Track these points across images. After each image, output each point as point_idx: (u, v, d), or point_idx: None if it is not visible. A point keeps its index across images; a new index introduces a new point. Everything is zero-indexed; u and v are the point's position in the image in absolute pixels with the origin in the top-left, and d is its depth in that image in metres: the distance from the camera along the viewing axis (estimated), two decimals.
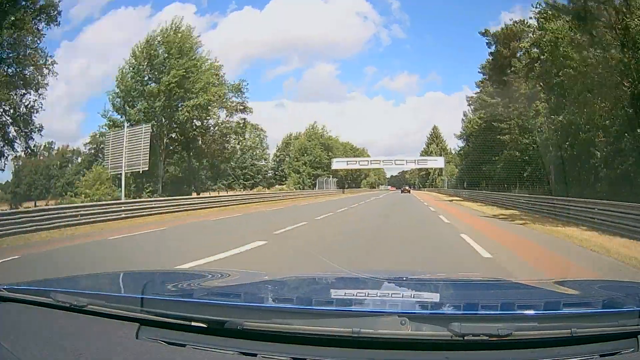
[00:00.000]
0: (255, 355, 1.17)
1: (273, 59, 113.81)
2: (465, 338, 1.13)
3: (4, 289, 1.54)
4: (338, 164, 62.60)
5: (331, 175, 62.81)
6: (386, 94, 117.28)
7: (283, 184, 63.63)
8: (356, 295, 1.81)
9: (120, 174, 24.15)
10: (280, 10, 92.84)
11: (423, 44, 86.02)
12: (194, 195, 33.74)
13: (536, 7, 18.37)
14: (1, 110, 23.48)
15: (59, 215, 13.60)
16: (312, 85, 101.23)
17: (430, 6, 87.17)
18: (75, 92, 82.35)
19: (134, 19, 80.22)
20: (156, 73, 32.14)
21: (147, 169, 24.64)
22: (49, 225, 12.62)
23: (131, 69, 32.45)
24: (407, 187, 75.13)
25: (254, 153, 69.29)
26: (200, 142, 37.64)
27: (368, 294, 1.85)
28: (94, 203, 19.34)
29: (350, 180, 79.88)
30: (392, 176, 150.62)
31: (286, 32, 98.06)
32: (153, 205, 19.35)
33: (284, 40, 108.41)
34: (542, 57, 19.89)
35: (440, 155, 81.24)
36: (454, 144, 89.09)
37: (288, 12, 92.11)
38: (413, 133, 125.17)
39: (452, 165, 68.85)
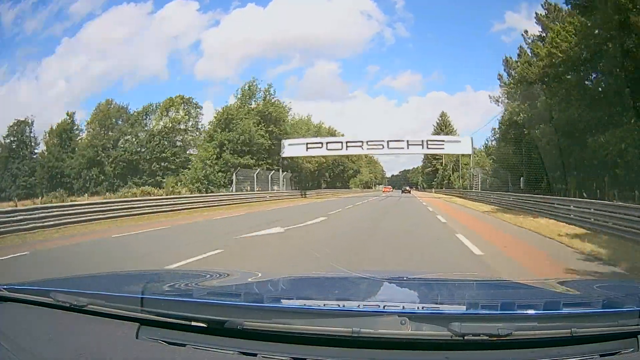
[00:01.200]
0: (255, 355, 1.17)
1: (275, 58, 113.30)
2: (465, 338, 1.13)
3: (4, 288, 1.54)
4: (293, 148, 39.12)
5: (280, 168, 38.33)
6: (389, 93, 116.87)
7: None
8: (356, 295, 1.82)
9: None
10: (283, 8, 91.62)
11: (427, 43, 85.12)
12: None
13: None
14: None
15: None
16: (313, 84, 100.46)
17: (435, 5, 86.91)
18: (74, 88, 78.10)
19: (135, 15, 79.58)
20: None
21: None
22: None
23: None
24: (407, 188, 73.48)
25: (184, 137, 48.71)
26: None
27: (368, 293, 1.85)
28: None
29: (331, 178, 60.59)
30: (392, 175, 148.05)
31: (289, 30, 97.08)
32: None
33: (287, 38, 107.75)
34: None
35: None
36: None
37: (291, 9, 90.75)
38: (415, 133, 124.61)
39: (480, 153, 42.98)
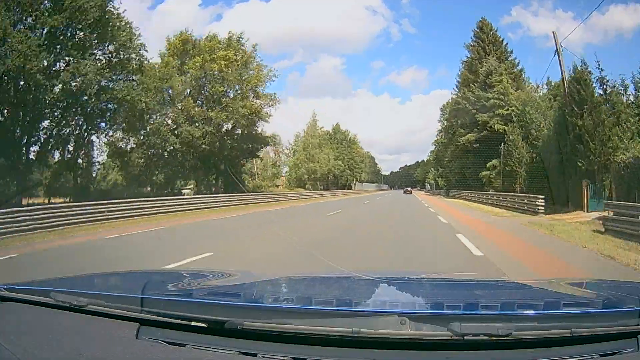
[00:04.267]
0: (255, 355, 1.17)
1: (278, 53, 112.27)
2: (465, 338, 1.13)
3: (4, 288, 1.55)
4: None
5: None
6: (392, 91, 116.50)
7: None
8: (356, 295, 1.81)
9: None
10: (287, 2, 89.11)
11: (432, 40, 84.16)
12: None
13: None
14: None
15: None
16: (316, 80, 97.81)
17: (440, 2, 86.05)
18: None
19: (135, 10, 77.56)
20: None
21: None
22: None
23: None
24: (409, 189, 72.06)
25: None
26: None
27: (368, 293, 1.85)
28: None
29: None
30: (392, 172, 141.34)
31: (292, 24, 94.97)
32: None
33: (290, 33, 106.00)
34: None
35: (515, 88, 31.94)
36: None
37: (295, 4, 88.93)
38: (419, 131, 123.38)
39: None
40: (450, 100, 44.22)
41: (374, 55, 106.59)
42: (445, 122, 46.09)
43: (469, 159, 36.49)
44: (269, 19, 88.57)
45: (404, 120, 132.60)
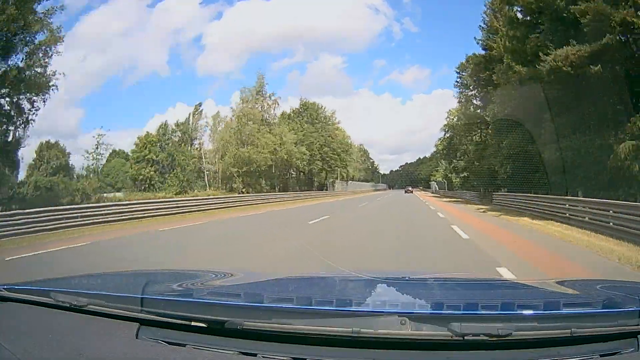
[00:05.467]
0: (255, 355, 1.17)
1: (279, 52, 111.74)
2: (465, 338, 1.13)
3: (4, 289, 1.55)
4: None
5: None
6: (394, 90, 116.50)
7: None
8: (356, 295, 1.81)
9: None
10: (288, 0, 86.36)
11: (435, 39, 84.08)
12: None
13: None
14: None
15: None
16: (316, 79, 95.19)
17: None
18: (72, 85, 70.56)
19: (134, 8, 77.15)
20: None
21: None
22: None
23: None
24: (409, 188, 72.85)
25: None
26: None
27: (368, 293, 1.85)
28: None
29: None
30: (392, 171, 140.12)
31: (294, 22, 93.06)
32: None
33: (291, 31, 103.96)
34: None
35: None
36: None
37: (296, 2, 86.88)
38: (420, 131, 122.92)
39: None
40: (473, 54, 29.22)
41: (376, 54, 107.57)
42: (465, 85, 31.04)
43: (560, 118, 16.14)
44: (269, 17, 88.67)
45: (405, 120, 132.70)
